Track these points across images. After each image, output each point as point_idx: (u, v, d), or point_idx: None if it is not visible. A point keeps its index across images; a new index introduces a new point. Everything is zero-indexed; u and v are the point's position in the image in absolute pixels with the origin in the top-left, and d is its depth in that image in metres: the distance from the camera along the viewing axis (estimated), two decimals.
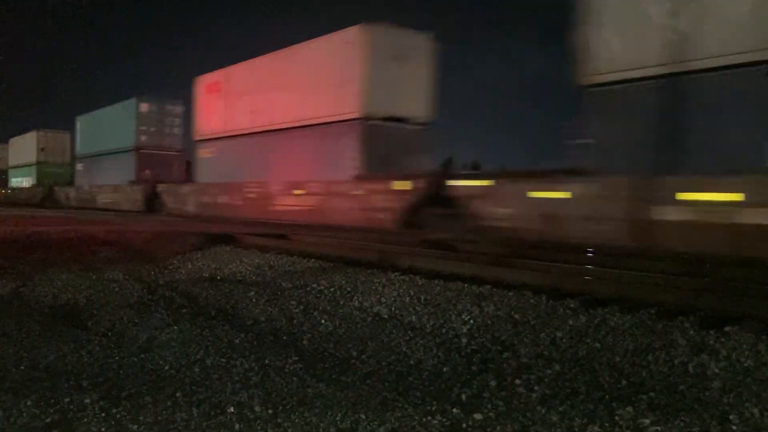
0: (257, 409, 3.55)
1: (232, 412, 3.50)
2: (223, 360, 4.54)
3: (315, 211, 15.89)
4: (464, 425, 3.37)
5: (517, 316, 5.82)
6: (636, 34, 8.91)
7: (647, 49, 8.69)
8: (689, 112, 8.33)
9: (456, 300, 6.47)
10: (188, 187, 23.21)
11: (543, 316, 5.76)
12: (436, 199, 12.38)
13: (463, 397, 3.81)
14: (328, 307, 6.49)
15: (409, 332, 5.47)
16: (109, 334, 5.38)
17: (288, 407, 3.59)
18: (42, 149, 39.53)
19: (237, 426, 3.34)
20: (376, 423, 3.37)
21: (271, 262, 9.59)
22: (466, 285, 7.11)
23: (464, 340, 5.22)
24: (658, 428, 3.30)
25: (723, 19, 8.09)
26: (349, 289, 7.34)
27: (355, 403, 3.66)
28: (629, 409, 3.54)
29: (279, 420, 3.41)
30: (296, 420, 3.41)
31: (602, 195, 8.96)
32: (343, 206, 14.98)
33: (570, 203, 9.33)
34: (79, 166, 34.26)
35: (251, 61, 19.53)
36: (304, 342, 5.18)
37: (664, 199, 8.18)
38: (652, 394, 3.84)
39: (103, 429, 3.28)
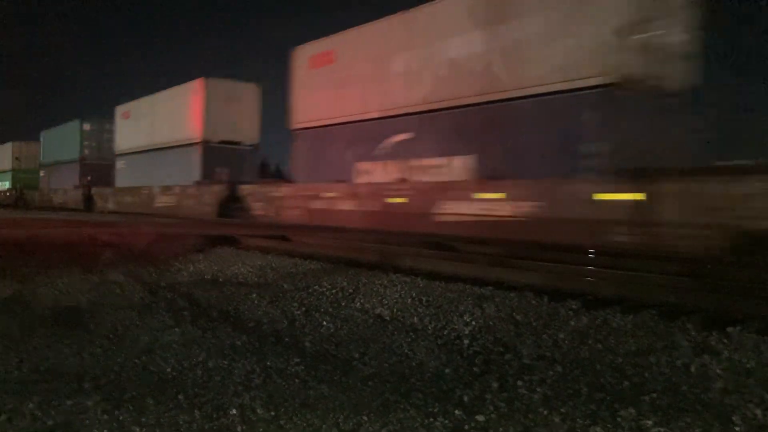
0: (259, 411, 3.55)
1: (235, 414, 3.50)
2: (225, 362, 4.54)
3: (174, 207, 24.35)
4: (466, 427, 3.37)
5: (518, 317, 5.82)
6: None
7: None
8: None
9: (457, 301, 6.47)
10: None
11: (545, 317, 5.76)
12: (232, 198, 21.24)
13: (465, 398, 3.80)
14: (330, 309, 6.49)
15: (411, 334, 5.47)
16: (111, 336, 5.38)
17: (290, 409, 3.59)
18: (17, 158, 45.69)
19: (239, 428, 3.34)
20: (378, 425, 3.37)
21: (273, 264, 9.59)
22: (467, 286, 7.11)
23: (466, 342, 5.22)
24: (661, 429, 3.29)
25: None
26: (350, 290, 7.35)
27: (357, 405, 3.67)
28: (631, 410, 3.53)
29: (281, 422, 3.41)
30: (298, 422, 3.41)
31: None
32: (190, 203, 23.60)
33: None
34: (41, 173, 41.94)
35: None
36: (306, 344, 5.18)
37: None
38: (654, 395, 3.83)
39: (105, 431, 3.28)
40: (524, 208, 10.89)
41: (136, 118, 28.68)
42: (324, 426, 3.36)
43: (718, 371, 4.27)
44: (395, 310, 6.39)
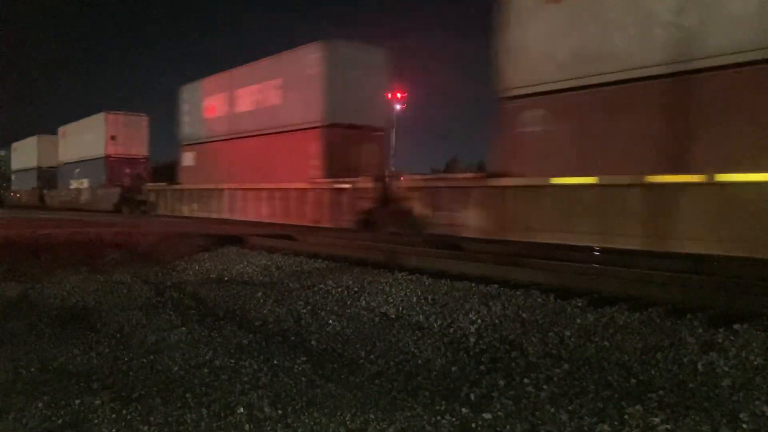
0: (267, 409, 3.56)
1: (242, 413, 3.51)
2: (232, 361, 4.55)
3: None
4: (473, 425, 3.37)
5: (525, 315, 5.82)
6: None
7: None
8: None
9: (463, 299, 6.46)
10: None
11: (551, 315, 5.75)
12: None
13: (472, 396, 3.81)
14: (336, 308, 6.49)
15: (417, 332, 5.47)
16: (118, 335, 5.40)
17: (297, 407, 3.60)
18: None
19: (247, 426, 3.35)
20: (385, 423, 3.38)
21: (278, 263, 9.60)
22: (473, 284, 7.10)
23: (472, 340, 5.22)
24: (668, 426, 3.29)
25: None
26: (356, 289, 7.35)
27: (364, 403, 3.67)
28: (639, 407, 3.53)
29: (288, 420, 3.42)
30: (306, 420, 3.42)
31: None
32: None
33: None
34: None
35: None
36: (312, 342, 5.19)
37: None
38: (661, 392, 3.83)
39: (114, 430, 3.30)
40: None
41: None
42: (331, 424, 3.37)
43: (726, 368, 4.26)
44: (401, 308, 6.40)
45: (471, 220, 11.03)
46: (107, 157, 30.78)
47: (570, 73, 9.46)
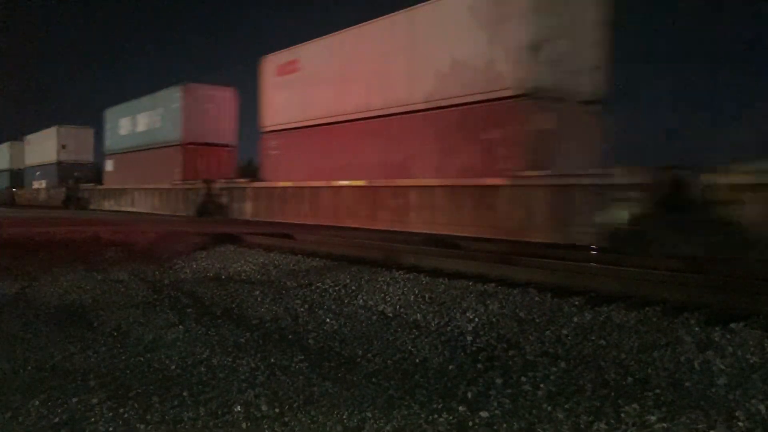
0: (264, 408, 3.56)
1: (239, 411, 3.51)
2: (229, 359, 4.55)
3: None
4: (471, 423, 3.37)
5: (522, 313, 5.83)
6: None
7: None
8: None
9: (461, 298, 6.47)
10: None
11: (548, 314, 5.76)
12: None
13: (469, 395, 3.81)
14: (333, 306, 6.50)
15: (414, 330, 5.47)
16: (115, 333, 5.40)
17: (294, 406, 3.60)
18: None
19: (244, 425, 3.35)
20: (382, 421, 3.38)
21: (276, 262, 9.60)
22: (470, 283, 7.11)
23: (469, 338, 5.23)
24: (665, 425, 3.30)
25: None
26: (353, 287, 7.35)
27: (362, 402, 3.67)
28: (635, 406, 3.54)
29: (286, 419, 3.42)
30: (303, 419, 3.42)
31: None
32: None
33: None
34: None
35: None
36: (310, 341, 5.19)
37: None
38: (657, 390, 3.84)
39: (110, 429, 3.30)
40: None
41: None
42: (328, 422, 3.37)
43: (722, 367, 4.27)
44: (398, 307, 6.40)
45: (248, 209, 19.04)
46: (59, 162, 36.57)
47: (291, 118, 17.58)
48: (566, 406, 3.58)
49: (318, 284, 7.64)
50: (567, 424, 3.35)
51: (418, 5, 13.54)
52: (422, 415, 3.46)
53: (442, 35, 12.97)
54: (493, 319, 5.72)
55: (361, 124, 15.10)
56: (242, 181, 20.08)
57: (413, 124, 13.77)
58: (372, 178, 14.41)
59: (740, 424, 3.32)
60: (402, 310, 6.29)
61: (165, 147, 24.58)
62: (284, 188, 17.59)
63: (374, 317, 6.04)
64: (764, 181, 7.96)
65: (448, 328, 5.60)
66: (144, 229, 13.83)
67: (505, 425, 3.34)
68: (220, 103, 24.46)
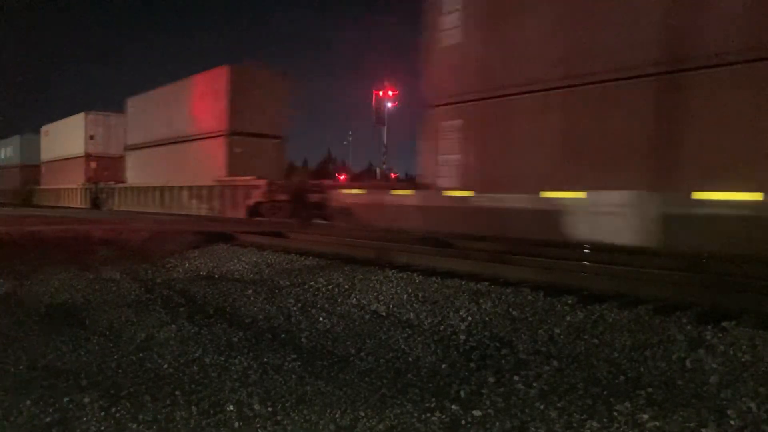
0: (256, 407, 3.55)
1: (232, 411, 3.50)
2: (222, 358, 4.54)
3: None
4: (463, 422, 3.38)
5: (515, 312, 5.84)
6: None
7: None
8: None
9: (454, 297, 6.48)
10: None
11: (541, 313, 5.78)
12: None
13: (462, 393, 3.81)
14: (326, 305, 6.49)
15: (407, 329, 5.47)
16: (107, 333, 5.38)
17: (287, 405, 3.60)
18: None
19: (236, 424, 3.34)
20: (375, 420, 3.38)
21: (269, 260, 9.58)
22: (463, 282, 7.12)
23: (462, 337, 5.23)
24: (657, 423, 3.31)
25: None
26: (346, 286, 7.35)
27: (354, 401, 3.67)
28: (627, 404, 3.55)
29: (278, 418, 3.41)
30: (295, 417, 3.42)
31: None
32: None
33: None
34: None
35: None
36: (303, 340, 5.18)
37: None
38: (650, 389, 3.85)
39: (102, 428, 3.28)
40: None
41: None
42: (321, 421, 3.37)
43: (714, 365, 4.29)
44: (391, 305, 6.40)
45: (115, 202, 27.98)
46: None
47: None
48: (559, 405, 3.59)
49: (311, 283, 7.63)
50: (559, 423, 3.36)
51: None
52: (415, 414, 3.46)
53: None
54: (486, 318, 5.73)
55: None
56: (111, 183, 28.54)
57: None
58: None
59: (732, 422, 3.33)
60: (395, 309, 6.29)
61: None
62: (133, 187, 26.65)
63: (367, 316, 6.03)
64: None
65: (441, 327, 5.60)
66: (135, 227, 13.78)
67: (497, 424, 3.34)
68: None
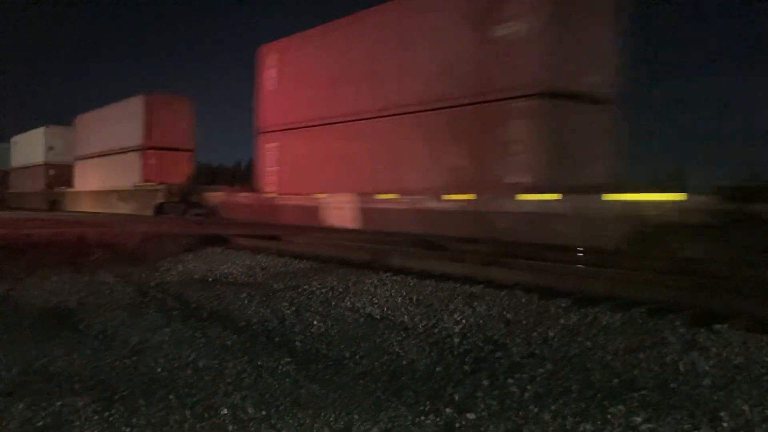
0: (250, 410, 3.55)
1: (226, 414, 3.50)
2: (216, 361, 4.53)
3: None
4: (457, 425, 3.38)
5: (509, 315, 5.84)
6: None
7: None
8: None
9: (448, 300, 6.48)
10: None
11: (535, 316, 5.79)
12: None
13: (456, 396, 3.82)
14: (321, 308, 6.49)
15: (402, 332, 5.47)
16: (101, 336, 5.36)
17: (281, 408, 3.59)
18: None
19: (230, 427, 3.33)
20: (369, 423, 3.38)
21: (263, 264, 9.57)
22: (458, 285, 7.12)
23: (457, 340, 5.23)
24: (650, 426, 3.32)
25: None
26: (341, 289, 7.34)
27: (349, 404, 3.67)
28: (621, 407, 3.56)
29: (272, 421, 3.41)
30: (290, 421, 3.41)
31: None
32: None
33: None
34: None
35: None
36: (297, 343, 5.18)
37: None
38: (643, 391, 3.86)
39: None
40: None
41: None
42: (315, 425, 3.37)
43: (707, 368, 4.31)
44: (386, 308, 6.40)
45: (67, 204, 30.78)
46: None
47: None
48: (553, 408, 3.60)
49: (305, 286, 7.62)
50: (553, 426, 3.36)
51: None
52: (409, 417, 3.46)
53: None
54: (480, 321, 5.74)
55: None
56: (62, 188, 32.01)
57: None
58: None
59: (725, 424, 3.34)
60: (389, 312, 6.29)
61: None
62: (78, 192, 30.51)
63: (362, 319, 6.03)
64: None
65: (436, 330, 5.60)
66: (131, 230, 13.74)
67: (491, 427, 3.35)
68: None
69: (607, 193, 8.64)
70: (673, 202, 7.81)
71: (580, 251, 9.54)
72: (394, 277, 7.79)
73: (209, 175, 25.63)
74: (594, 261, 8.78)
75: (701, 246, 7.81)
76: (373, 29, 13.39)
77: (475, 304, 6.24)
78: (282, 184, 16.20)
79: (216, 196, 19.45)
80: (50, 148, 35.00)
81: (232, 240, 12.52)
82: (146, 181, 24.86)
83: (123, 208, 25.57)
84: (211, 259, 10.22)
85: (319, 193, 14.23)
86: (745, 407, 3.55)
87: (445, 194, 11.11)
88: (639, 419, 3.39)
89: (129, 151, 26.13)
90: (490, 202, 10.54)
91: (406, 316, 6.08)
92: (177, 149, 25.73)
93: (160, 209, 22.91)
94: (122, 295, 7.26)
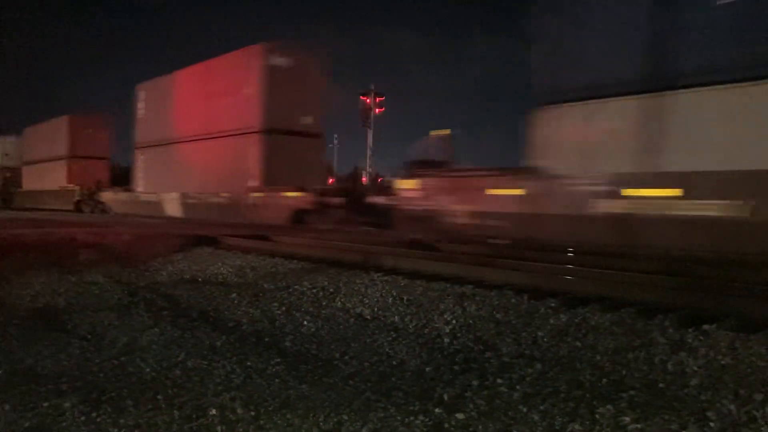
0: (239, 411, 3.53)
1: (214, 415, 3.48)
2: (205, 362, 4.51)
3: None
4: (446, 425, 3.38)
5: (499, 315, 5.85)
6: None
7: None
8: None
9: (438, 300, 6.48)
10: None
11: (524, 316, 5.80)
12: None
13: (446, 396, 3.82)
14: (311, 309, 6.47)
15: (392, 333, 5.47)
16: (89, 336, 5.33)
17: (270, 409, 3.58)
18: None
19: (219, 428, 3.32)
20: (358, 424, 3.37)
21: (253, 264, 9.55)
22: (448, 285, 7.12)
23: (447, 340, 5.24)
24: (638, 426, 3.33)
25: None
26: (331, 290, 7.33)
27: (338, 404, 3.66)
28: (610, 407, 3.57)
29: (261, 422, 3.40)
30: (279, 421, 3.40)
31: None
32: None
33: None
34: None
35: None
36: (287, 343, 5.16)
37: None
38: (632, 392, 3.87)
39: None
40: None
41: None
42: (304, 425, 3.36)
43: (695, 368, 4.33)
44: (376, 309, 6.40)
45: None
46: None
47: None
48: (542, 408, 3.60)
49: (296, 287, 7.60)
50: (542, 426, 3.37)
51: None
52: (398, 418, 3.45)
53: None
54: (470, 321, 5.74)
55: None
56: (17, 188, 37.60)
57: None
58: None
59: (712, 424, 3.36)
60: (380, 312, 6.29)
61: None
62: (25, 191, 35.96)
63: (352, 320, 6.03)
64: None
65: (426, 330, 5.60)
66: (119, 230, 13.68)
67: (480, 427, 3.35)
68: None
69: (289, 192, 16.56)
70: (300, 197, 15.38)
71: (570, 251, 9.59)
72: (385, 278, 7.78)
73: (125, 176, 28.85)
74: (583, 261, 8.82)
75: (314, 217, 14.58)
76: (191, 82, 20.19)
77: (466, 304, 6.24)
78: (146, 185, 23.15)
79: (106, 195, 26.10)
80: (6, 154, 41.44)
81: (222, 240, 12.48)
82: (69, 183, 30.91)
83: (53, 204, 30.82)
84: (201, 260, 10.18)
85: (163, 192, 21.32)
86: (732, 407, 3.57)
87: (221, 191, 18.25)
88: (627, 419, 3.40)
89: (58, 159, 32.23)
90: (239, 197, 17.43)
91: (396, 317, 6.08)
92: (95, 158, 31.76)
93: (78, 205, 28.06)
94: (111, 295, 7.22)
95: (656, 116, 7.36)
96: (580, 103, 8.02)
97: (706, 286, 6.68)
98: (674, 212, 6.79)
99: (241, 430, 3.31)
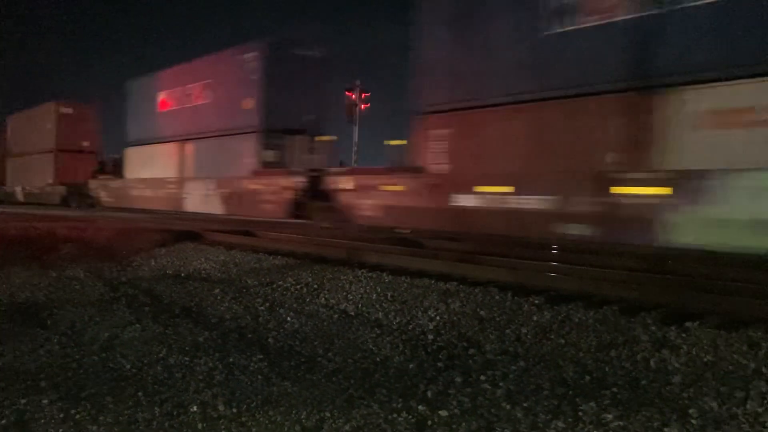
0: (221, 408, 3.50)
1: (195, 412, 3.45)
2: (187, 358, 4.47)
3: None
4: (430, 422, 3.37)
5: (482, 312, 5.85)
6: None
7: None
8: None
9: (422, 297, 6.48)
10: None
11: (508, 313, 5.80)
12: None
13: (429, 393, 3.81)
14: (295, 305, 6.44)
15: (376, 329, 5.45)
16: (69, 332, 5.26)
17: (252, 406, 3.55)
18: None
19: (200, 425, 3.29)
20: (341, 421, 3.35)
21: (237, 260, 9.49)
22: (432, 282, 7.12)
23: (430, 337, 5.23)
24: (621, 423, 3.34)
25: None
26: (315, 286, 7.30)
27: (321, 401, 3.64)
28: (592, 404, 3.58)
29: (243, 419, 3.37)
30: (261, 419, 3.37)
31: None
32: None
33: None
34: None
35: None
36: (270, 340, 5.13)
37: None
38: (614, 389, 3.89)
39: (61, 430, 3.21)
40: None
41: None
42: (286, 423, 3.33)
43: (677, 365, 4.35)
44: (360, 305, 6.37)
45: None
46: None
47: None
48: (525, 405, 3.60)
49: (279, 282, 7.56)
50: (525, 423, 3.37)
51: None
52: (382, 415, 3.44)
53: None
54: (455, 318, 5.74)
55: None
56: None
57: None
58: None
59: (693, 421, 3.38)
60: (364, 308, 6.27)
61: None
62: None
63: (336, 316, 6.00)
64: None
65: (410, 327, 5.59)
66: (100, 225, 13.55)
67: (464, 424, 3.34)
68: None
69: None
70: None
71: (554, 248, 9.61)
72: (370, 274, 7.77)
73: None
74: (567, 259, 8.85)
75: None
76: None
77: (450, 301, 6.24)
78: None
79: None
80: None
81: (206, 235, 12.39)
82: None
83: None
84: (183, 255, 10.10)
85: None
86: (714, 404, 3.60)
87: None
88: (610, 416, 3.41)
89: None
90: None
91: (380, 313, 6.06)
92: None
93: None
94: (92, 290, 7.14)
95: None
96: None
97: (689, 283, 6.73)
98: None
99: (222, 427, 3.28)
